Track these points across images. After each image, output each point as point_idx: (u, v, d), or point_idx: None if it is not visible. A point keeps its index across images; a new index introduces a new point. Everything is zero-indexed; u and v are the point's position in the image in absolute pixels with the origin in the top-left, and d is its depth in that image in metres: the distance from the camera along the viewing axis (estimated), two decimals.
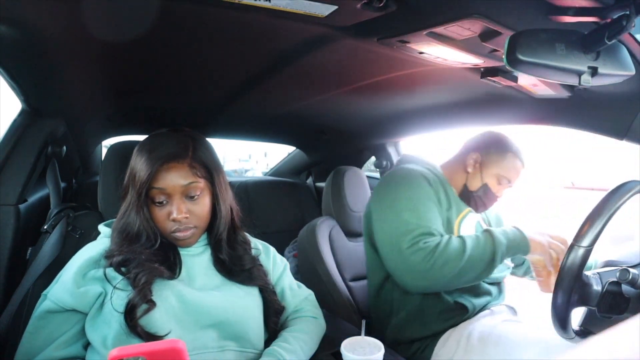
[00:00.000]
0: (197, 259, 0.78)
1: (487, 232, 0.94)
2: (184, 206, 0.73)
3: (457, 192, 1.12)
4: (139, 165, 0.72)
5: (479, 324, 1.00)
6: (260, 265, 0.84)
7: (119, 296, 0.66)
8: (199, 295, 0.71)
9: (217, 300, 0.73)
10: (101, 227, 0.80)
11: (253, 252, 0.85)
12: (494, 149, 1.10)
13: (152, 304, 0.65)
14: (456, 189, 1.12)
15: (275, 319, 0.81)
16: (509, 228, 0.96)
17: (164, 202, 0.73)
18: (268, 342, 0.78)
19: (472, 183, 1.11)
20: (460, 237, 0.94)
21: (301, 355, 0.75)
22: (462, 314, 1.03)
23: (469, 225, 1.08)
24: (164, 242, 0.75)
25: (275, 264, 0.89)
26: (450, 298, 1.02)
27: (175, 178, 0.72)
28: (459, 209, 1.08)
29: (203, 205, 0.75)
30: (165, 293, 0.69)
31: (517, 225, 1.01)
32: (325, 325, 0.87)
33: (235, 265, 0.80)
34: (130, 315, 0.64)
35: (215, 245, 0.80)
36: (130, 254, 0.70)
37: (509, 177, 1.09)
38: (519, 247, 0.93)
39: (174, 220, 0.73)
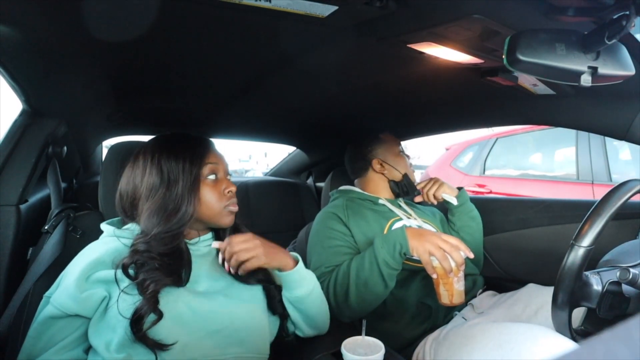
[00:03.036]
0: (203, 260, 0.78)
1: (372, 242, 0.97)
2: None
3: (392, 196, 1.27)
4: (181, 154, 0.76)
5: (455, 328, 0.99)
6: None
7: (125, 300, 0.66)
8: (204, 301, 0.71)
9: (222, 304, 0.73)
10: (103, 226, 0.79)
11: None
12: (376, 146, 1.28)
13: (159, 314, 0.65)
14: (389, 194, 1.27)
15: (281, 304, 0.83)
16: (397, 228, 0.98)
17: (215, 178, 0.79)
18: (274, 346, 0.79)
19: (395, 176, 1.26)
20: (350, 260, 0.99)
21: (314, 287, 0.84)
22: (428, 315, 1.05)
23: None
24: (183, 249, 0.75)
25: None
26: (415, 300, 1.05)
27: (222, 157, 0.82)
28: (387, 219, 1.17)
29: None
30: (172, 299, 0.68)
31: (413, 224, 1.12)
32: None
33: None
34: (137, 325, 0.63)
35: (221, 237, 0.82)
36: (145, 259, 0.69)
37: (400, 147, 1.31)
38: (397, 245, 0.91)
39: (230, 192, 0.79)
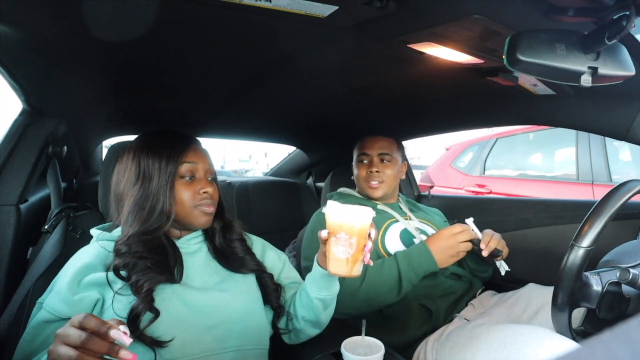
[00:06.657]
0: (195, 257, 0.79)
1: (393, 257, 1.02)
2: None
3: (389, 197, 1.27)
4: (159, 151, 0.75)
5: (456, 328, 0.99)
6: (253, 254, 0.86)
7: (120, 300, 0.66)
8: (200, 296, 0.72)
9: (218, 299, 0.73)
10: (93, 231, 0.79)
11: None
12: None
13: (156, 312, 0.65)
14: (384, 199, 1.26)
15: (276, 295, 0.83)
16: (417, 245, 1.03)
17: (191, 178, 0.77)
18: (273, 339, 0.80)
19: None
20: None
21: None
22: (428, 316, 1.05)
23: (393, 234, 1.16)
24: (166, 244, 0.75)
25: (273, 257, 0.91)
26: (415, 301, 1.06)
27: (204, 157, 0.80)
28: (383, 219, 1.18)
29: (216, 188, 0.81)
30: (168, 297, 0.69)
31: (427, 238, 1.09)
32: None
33: (228, 251, 0.82)
34: (134, 324, 0.63)
35: (210, 234, 0.83)
36: (135, 260, 0.69)
37: (360, 154, 1.27)
38: (424, 265, 1.00)
39: (205, 192, 0.77)
